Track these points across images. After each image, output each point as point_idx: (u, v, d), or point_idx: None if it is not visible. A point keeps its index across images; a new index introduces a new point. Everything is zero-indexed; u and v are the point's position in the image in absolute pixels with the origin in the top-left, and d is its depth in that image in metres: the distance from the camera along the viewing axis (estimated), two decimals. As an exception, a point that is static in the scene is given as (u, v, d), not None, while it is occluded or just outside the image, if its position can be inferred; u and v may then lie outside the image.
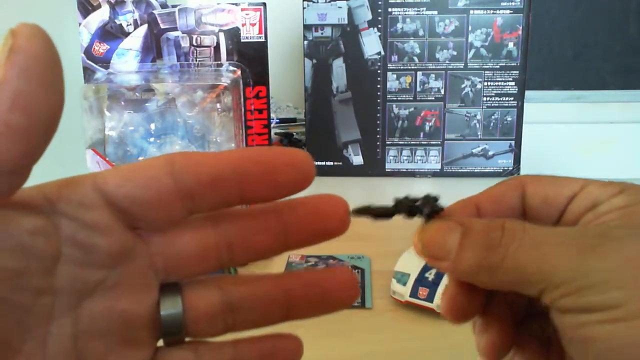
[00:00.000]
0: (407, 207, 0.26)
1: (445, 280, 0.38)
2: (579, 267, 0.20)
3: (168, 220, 0.20)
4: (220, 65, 0.65)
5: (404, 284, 0.40)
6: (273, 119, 1.10)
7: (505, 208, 0.25)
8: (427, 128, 0.89)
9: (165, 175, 0.19)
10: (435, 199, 0.26)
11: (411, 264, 0.41)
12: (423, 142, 0.89)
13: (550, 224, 0.24)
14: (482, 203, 0.26)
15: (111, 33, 0.64)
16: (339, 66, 0.88)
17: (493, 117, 0.88)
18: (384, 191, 0.86)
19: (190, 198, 0.19)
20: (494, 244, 0.21)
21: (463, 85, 0.87)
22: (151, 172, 0.19)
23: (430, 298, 0.38)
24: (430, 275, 0.39)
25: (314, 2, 0.86)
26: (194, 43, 0.65)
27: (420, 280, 0.39)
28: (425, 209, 0.25)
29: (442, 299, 0.25)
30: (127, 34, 0.64)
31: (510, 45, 0.85)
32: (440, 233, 0.24)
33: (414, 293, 0.39)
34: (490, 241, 0.22)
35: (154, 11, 0.64)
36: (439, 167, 0.90)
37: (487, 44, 0.86)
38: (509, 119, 0.88)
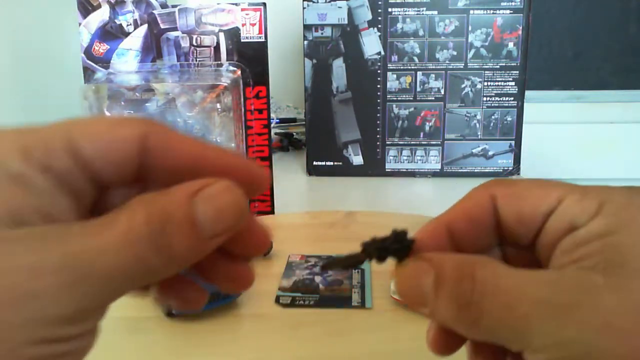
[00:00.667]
0: (375, 250, 0.23)
1: None
2: (558, 336, 0.19)
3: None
4: (220, 65, 0.65)
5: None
6: (273, 119, 1.10)
7: (478, 226, 0.24)
8: (427, 128, 0.89)
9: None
10: (403, 234, 0.24)
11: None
12: (423, 142, 0.89)
13: (527, 243, 0.24)
14: (454, 224, 0.24)
15: (111, 33, 0.64)
16: (339, 66, 0.88)
17: (493, 117, 0.88)
18: (384, 191, 0.86)
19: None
20: (466, 299, 0.20)
21: (463, 85, 0.87)
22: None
23: None
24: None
25: (314, 2, 0.86)
26: (194, 43, 0.65)
27: None
28: (394, 247, 0.23)
29: (427, 334, 0.24)
30: (127, 34, 0.64)
31: (510, 45, 0.85)
32: (413, 278, 0.22)
33: None
34: (462, 295, 0.21)
35: (154, 11, 0.64)
36: (439, 167, 0.90)
37: (487, 44, 0.86)
38: (509, 119, 0.88)
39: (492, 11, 0.85)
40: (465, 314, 0.21)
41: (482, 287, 0.20)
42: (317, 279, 0.45)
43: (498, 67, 0.86)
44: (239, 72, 0.64)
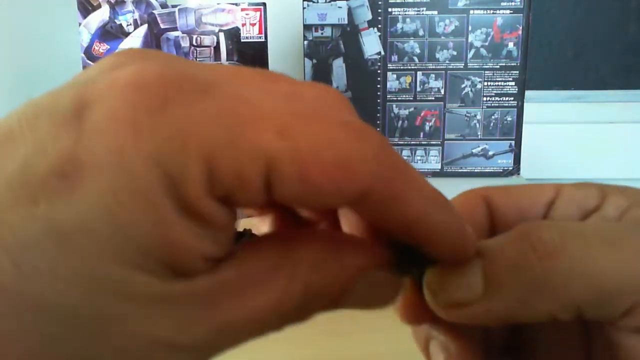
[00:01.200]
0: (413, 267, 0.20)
1: None
2: None
3: None
4: (220, 65, 0.65)
5: (404, 284, 0.40)
6: (273, 119, 1.10)
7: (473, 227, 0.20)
8: (427, 128, 0.89)
9: None
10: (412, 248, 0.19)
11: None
12: (423, 142, 0.89)
13: None
14: None
15: (111, 33, 0.64)
16: (339, 66, 0.88)
17: (493, 117, 0.88)
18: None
19: None
20: (545, 253, 0.17)
21: (463, 85, 0.87)
22: None
23: None
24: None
25: (314, 2, 0.86)
26: (194, 43, 0.65)
27: None
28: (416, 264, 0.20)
29: (400, 303, 0.22)
30: (127, 34, 0.64)
31: (510, 45, 0.85)
32: (454, 273, 0.19)
33: None
34: (533, 254, 0.17)
35: (154, 11, 0.64)
36: (439, 167, 0.90)
37: (487, 44, 0.86)
38: (509, 119, 0.88)
39: (492, 11, 0.85)
40: (540, 278, 0.17)
41: (558, 236, 0.17)
42: (317, 278, 0.45)
43: (498, 67, 0.86)
44: (239, 72, 0.64)
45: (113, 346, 0.14)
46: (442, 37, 0.86)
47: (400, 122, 0.89)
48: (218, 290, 0.15)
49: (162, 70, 0.15)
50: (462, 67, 0.87)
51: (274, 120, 0.15)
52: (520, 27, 0.85)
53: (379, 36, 0.86)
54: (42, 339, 0.13)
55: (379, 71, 0.88)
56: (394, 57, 0.87)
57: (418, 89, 0.88)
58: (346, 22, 0.86)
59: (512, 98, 0.87)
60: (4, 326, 0.13)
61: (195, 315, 0.15)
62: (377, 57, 0.87)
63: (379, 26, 0.86)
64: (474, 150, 0.89)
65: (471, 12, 0.85)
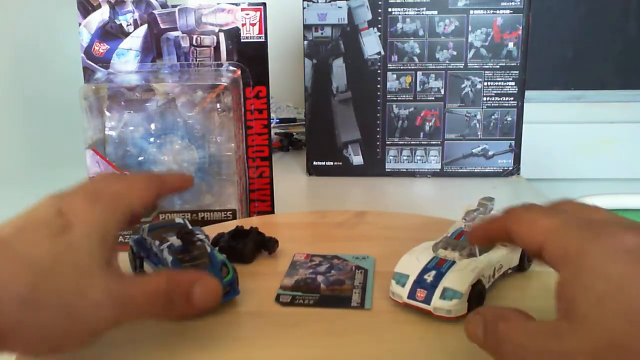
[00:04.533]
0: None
1: (443, 283, 0.38)
2: None
3: None
4: (220, 65, 0.65)
5: (403, 285, 0.40)
6: (273, 119, 1.10)
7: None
8: (427, 128, 0.89)
9: None
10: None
11: (411, 265, 0.41)
12: (423, 142, 0.89)
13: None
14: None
15: (111, 33, 0.64)
16: (339, 66, 0.88)
17: (493, 117, 0.88)
18: (384, 191, 0.86)
19: None
20: (495, 341, 0.29)
21: (463, 85, 0.87)
22: None
23: (427, 300, 0.38)
24: (429, 277, 0.39)
25: (314, 2, 0.86)
26: (194, 43, 0.65)
27: (419, 282, 0.39)
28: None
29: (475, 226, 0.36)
30: (127, 34, 0.64)
31: (510, 45, 0.86)
32: (474, 325, 0.31)
33: (412, 294, 0.39)
34: (493, 339, 0.29)
35: (154, 11, 0.64)
36: (439, 167, 0.90)
37: (487, 44, 0.86)
38: (509, 119, 0.88)
39: (492, 11, 0.85)
40: (496, 349, 0.29)
41: (503, 335, 0.28)
42: (319, 278, 0.45)
43: (498, 67, 0.86)
44: (239, 72, 0.64)
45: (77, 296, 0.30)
46: (442, 37, 0.86)
47: (400, 122, 0.89)
48: (123, 279, 0.33)
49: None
50: (462, 67, 0.87)
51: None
52: (520, 27, 0.85)
53: (379, 36, 0.86)
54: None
55: (379, 71, 0.88)
56: (394, 57, 0.87)
57: (418, 89, 0.88)
58: (346, 22, 0.86)
59: (512, 98, 0.87)
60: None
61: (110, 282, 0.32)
62: (377, 57, 0.87)
63: (379, 26, 0.86)
64: (474, 150, 0.89)
65: (471, 12, 0.85)
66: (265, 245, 0.50)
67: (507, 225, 0.31)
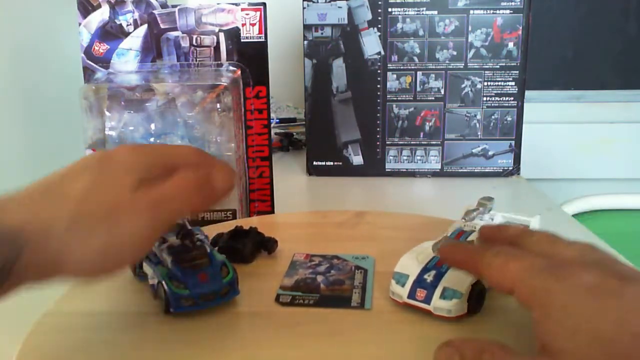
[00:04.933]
0: None
1: (443, 283, 0.38)
2: None
3: None
4: (220, 65, 0.65)
5: (403, 285, 0.40)
6: (273, 119, 1.10)
7: None
8: (427, 128, 0.89)
9: None
10: None
11: (411, 265, 0.41)
12: (423, 142, 0.89)
13: None
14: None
15: (111, 33, 0.64)
16: (339, 66, 0.88)
17: (493, 117, 0.88)
18: (384, 191, 0.86)
19: None
20: None
21: (463, 85, 0.87)
22: None
23: (427, 300, 0.38)
24: (429, 277, 0.39)
25: (314, 2, 0.86)
26: (194, 43, 0.65)
27: (419, 281, 0.39)
28: None
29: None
30: (127, 34, 0.64)
31: (510, 45, 0.85)
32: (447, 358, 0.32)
33: (412, 294, 0.39)
34: None
35: (154, 11, 0.64)
36: (439, 167, 0.90)
37: (487, 44, 0.86)
38: (509, 119, 0.88)
39: (492, 11, 0.85)
40: None
41: None
42: (319, 278, 0.45)
43: (498, 67, 0.86)
44: (239, 72, 0.64)
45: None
46: (442, 37, 0.86)
47: (400, 122, 0.89)
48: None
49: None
50: (462, 67, 0.87)
51: None
52: (520, 27, 0.85)
53: (379, 36, 0.86)
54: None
55: (379, 71, 0.88)
56: (394, 57, 0.87)
57: (418, 89, 0.88)
58: (346, 22, 0.86)
59: (512, 98, 0.87)
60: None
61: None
62: (377, 57, 0.87)
63: (379, 26, 0.86)
64: (474, 150, 0.89)
65: (471, 12, 0.85)
66: (265, 245, 0.50)
67: (479, 269, 0.33)
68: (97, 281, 0.34)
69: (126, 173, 0.34)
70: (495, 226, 0.40)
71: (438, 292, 0.38)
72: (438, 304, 0.38)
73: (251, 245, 0.49)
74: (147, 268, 0.43)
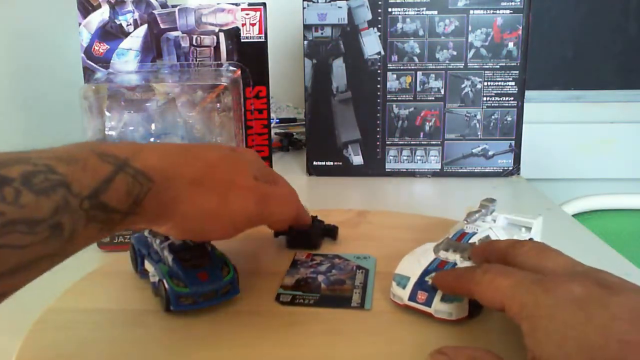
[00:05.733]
0: None
1: None
2: None
3: None
4: (220, 65, 0.65)
5: (404, 287, 0.40)
6: (273, 119, 1.10)
7: None
8: (427, 128, 0.89)
9: None
10: None
11: (412, 267, 0.41)
12: (423, 142, 0.89)
13: None
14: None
15: (111, 33, 0.64)
16: (339, 66, 0.88)
17: (493, 117, 0.88)
18: (384, 191, 0.86)
19: None
20: None
21: (463, 85, 0.87)
22: None
23: (428, 302, 0.38)
24: (430, 280, 0.39)
25: (314, 2, 0.86)
26: (194, 43, 0.65)
27: (420, 284, 0.39)
28: None
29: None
30: (127, 34, 0.64)
31: (510, 45, 0.86)
32: None
33: (412, 296, 0.39)
34: None
35: (154, 11, 0.64)
36: (439, 167, 0.90)
37: (487, 44, 0.86)
38: (509, 119, 0.88)
39: (492, 11, 0.85)
40: None
41: None
42: (320, 278, 0.45)
43: (498, 67, 0.86)
44: (239, 72, 0.64)
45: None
46: (442, 37, 0.86)
47: (400, 122, 0.89)
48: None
49: None
50: (462, 67, 0.87)
51: None
52: (520, 27, 0.85)
53: (379, 36, 0.86)
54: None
55: (379, 71, 0.88)
56: (394, 57, 0.87)
57: (418, 89, 0.88)
58: (346, 22, 0.86)
59: (512, 98, 0.87)
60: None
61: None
62: (377, 57, 0.87)
63: (379, 26, 0.86)
64: (474, 150, 0.89)
65: (471, 12, 0.85)
66: (329, 232, 0.52)
67: (470, 287, 0.34)
68: (197, 238, 0.40)
69: (250, 164, 0.41)
70: (485, 243, 0.41)
71: (439, 294, 0.38)
72: (439, 306, 0.38)
73: (318, 232, 0.51)
74: (148, 266, 0.43)
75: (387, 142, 0.90)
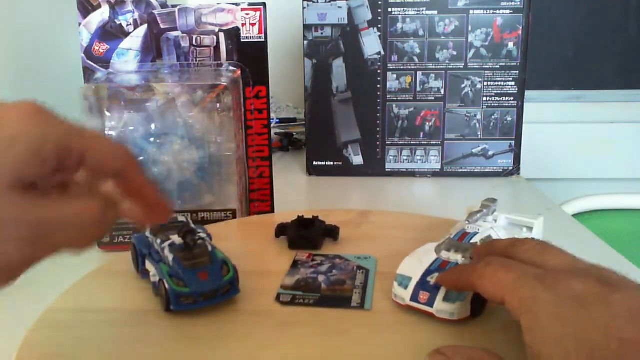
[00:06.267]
0: None
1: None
2: None
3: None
4: (220, 65, 0.65)
5: (405, 287, 0.39)
6: (273, 119, 1.10)
7: None
8: (427, 128, 0.89)
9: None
10: None
11: (413, 267, 0.41)
12: (423, 142, 0.89)
13: None
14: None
15: (111, 33, 0.64)
16: (339, 66, 0.88)
17: (493, 117, 0.88)
18: (384, 191, 0.86)
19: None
20: None
21: (463, 85, 0.87)
22: None
23: (430, 302, 0.38)
24: (432, 280, 0.39)
25: (314, 2, 0.86)
26: (194, 43, 0.65)
27: (422, 284, 0.39)
28: None
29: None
30: (127, 34, 0.64)
31: (510, 45, 0.86)
32: None
33: (414, 297, 0.39)
34: None
35: (154, 11, 0.64)
36: (439, 167, 0.90)
37: (487, 44, 0.86)
38: (509, 119, 0.88)
39: (492, 11, 0.85)
40: None
41: None
42: (320, 278, 0.45)
43: (498, 67, 0.86)
44: (239, 72, 0.64)
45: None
46: (442, 37, 0.86)
47: (400, 122, 0.89)
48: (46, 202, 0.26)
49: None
50: (462, 67, 0.87)
51: None
52: (520, 27, 0.85)
53: (379, 36, 0.86)
54: None
55: (379, 71, 0.88)
56: (394, 57, 0.87)
57: (418, 89, 0.88)
58: (346, 22, 0.86)
59: (512, 98, 0.87)
60: None
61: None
62: (377, 57, 0.87)
63: (379, 26, 0.86)
64: (474, 150, 0.89)
65: (471, 12, 0.85)
66: (330, 232, 0.52)
67: (473, 280, 0.34)
68: None
69: (7, 154, 0.23)
70: (486, 242, 0.41)
71: (441, 294, 0.38)
72: (441, 306, 0.38)
73: (320, 232, 0.51)
74: (149, 266, 0.43)
75: (387, 142, 0.90)
